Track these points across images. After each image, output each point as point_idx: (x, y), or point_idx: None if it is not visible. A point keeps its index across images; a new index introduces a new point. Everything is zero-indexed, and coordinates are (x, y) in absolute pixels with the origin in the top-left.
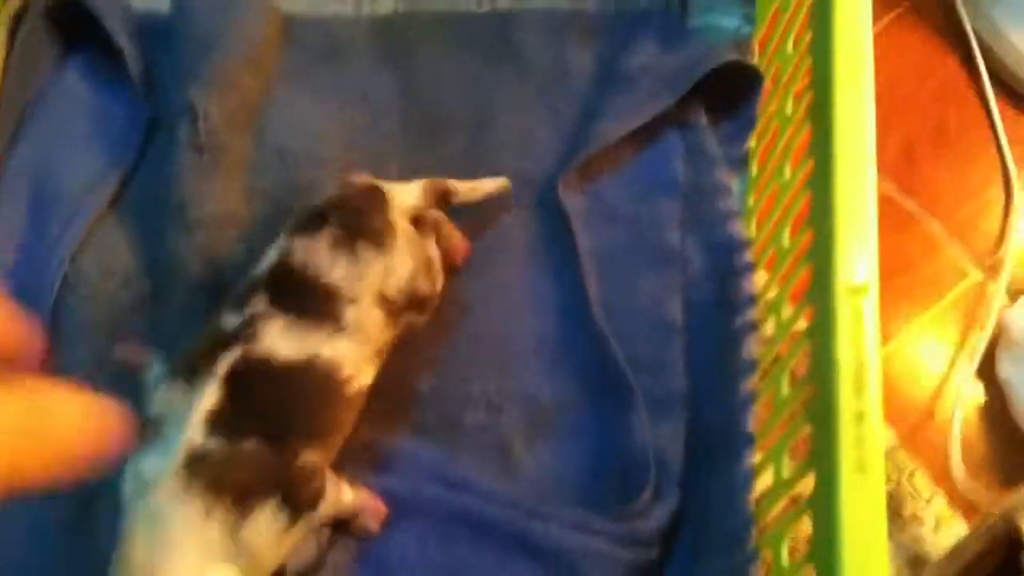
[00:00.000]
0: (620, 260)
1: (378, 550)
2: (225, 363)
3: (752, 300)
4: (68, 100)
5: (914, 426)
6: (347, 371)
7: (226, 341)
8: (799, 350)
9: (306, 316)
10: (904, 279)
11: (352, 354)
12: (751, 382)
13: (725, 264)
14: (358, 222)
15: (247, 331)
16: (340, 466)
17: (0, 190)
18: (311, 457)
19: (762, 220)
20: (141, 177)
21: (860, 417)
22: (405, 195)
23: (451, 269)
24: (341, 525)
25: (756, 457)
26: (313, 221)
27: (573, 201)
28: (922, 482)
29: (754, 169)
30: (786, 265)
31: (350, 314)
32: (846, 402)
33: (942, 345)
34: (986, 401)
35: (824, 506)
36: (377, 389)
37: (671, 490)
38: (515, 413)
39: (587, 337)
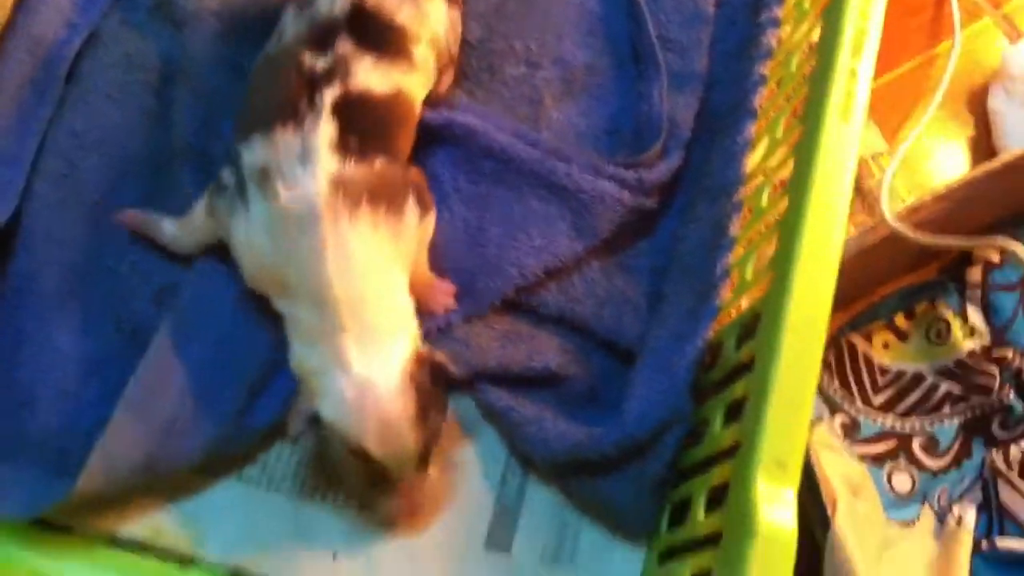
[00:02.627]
0: None
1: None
2: (330, 96)
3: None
4: None
5: (902, 140)
6: (418, 103)
7: (321, 78)
8: (810, 34)
9: (387, 54)
10: (915, 19)
11: (419, 89)
12: (765, 66)
13: None
14: None
15: (341, 69)
16: None
17: None
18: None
19: None
20: None
21: (853, 74)
22: None
23: None
24: None
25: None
26: None
27: None
28: (900, 185)
29: None
30: None
31: (418, 52)
32: (843, 59)
33: (941, 77)
34: (973, 134)
35: (806, 156)
36: None
37: (677, 151)
38: (550, 71)
39: (625, 15)
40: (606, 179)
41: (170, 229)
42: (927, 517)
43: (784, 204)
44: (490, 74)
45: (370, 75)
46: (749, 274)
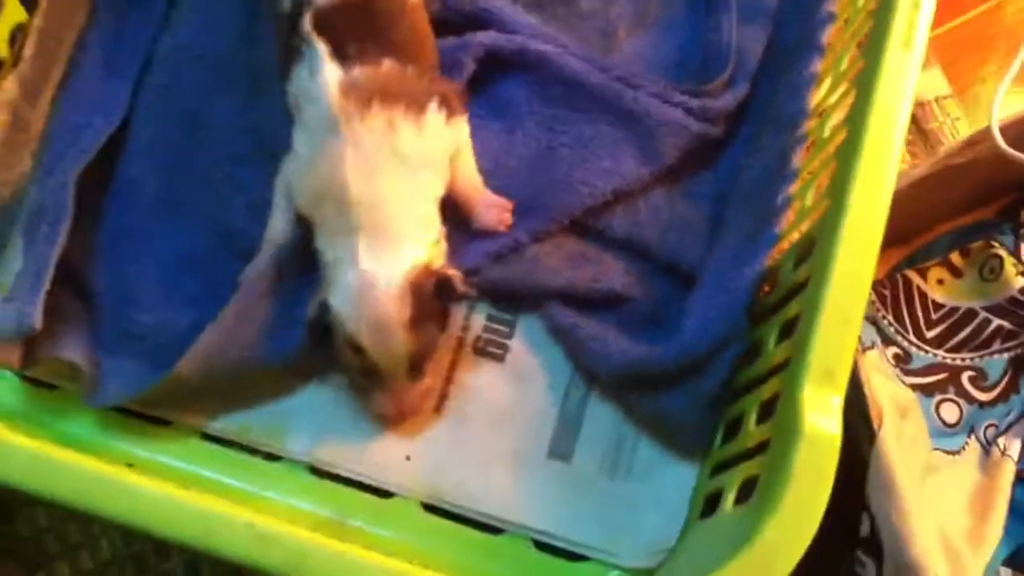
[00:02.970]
0: None
1: (490, 93)
2: (307, 22)
3: None
4: None
5: (967, 85)
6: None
7: (294, 15)
8: None
9: None
10: None
11: None
12: (833, 4)
13: None
14: None
15: None
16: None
17: None
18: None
19: None
20: None
21: (916, 5)
22: None
23: None
24: None
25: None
26: None
27: None
28: (964, 128)
29: None
30: None
31: None
32: None
33: (1008, 23)
34: None
35: (867, 83)
36: None
37: (743, 82)
38: (624, 5)
39: None
40: (673, 105)
41: (266, 253)
42: (972, 447)
43: (844, 134)
44: (567, 7)
45: None
46: (809, 200)
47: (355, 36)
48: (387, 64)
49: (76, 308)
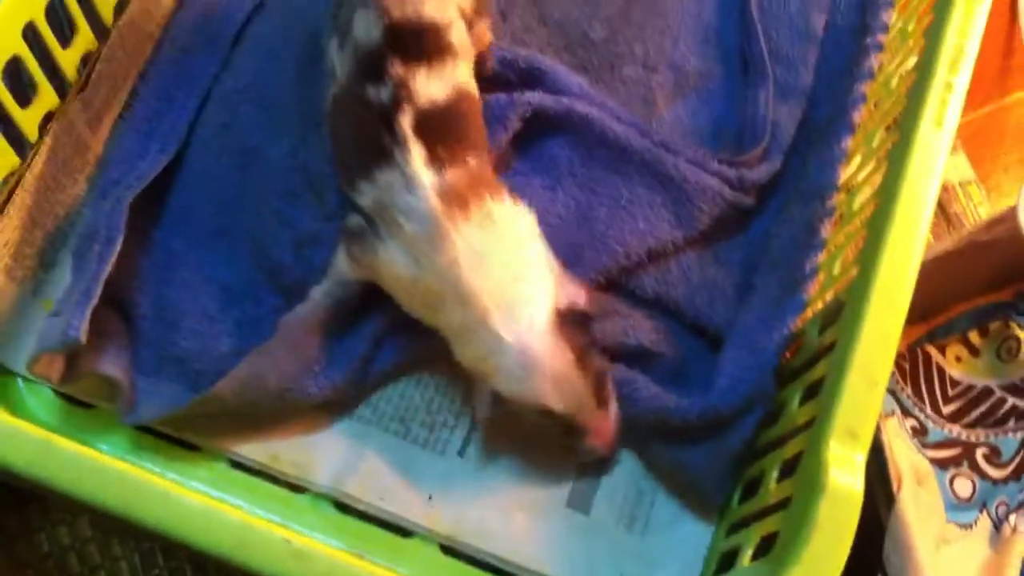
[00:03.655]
0: None
1: (534, 151)
2: (407, 122)
3: (885, 27)
4: None
5: (989, 173)
6: (472, 86)
7: (391, 108)
8: (906, 61)
9: (435, 59)
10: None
11: (467, 73)
12: (866, 86)
13: None
14: None
15: (403, 92)
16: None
17: None
18: None
19: None
20: None
21: (949, 86)
22: None
23: None
24: None
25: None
26: None
27: None
28: (985, 214)
29: None
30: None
31: (455, 37)
32: (941, 72)
33: None
34: None
35: (899, 157)
36: (558, 29)
37: (777, 155)
38: (665, 74)
39: (738, 27)
40: (710, 173)
41: (319, 297)
42: (984, 523)
43: (873, 206)
44: (610, 73)
45: (429, 86)
46: (836, 270)
47: (446, 138)
48: (471, 160)
49: (119, 328)
